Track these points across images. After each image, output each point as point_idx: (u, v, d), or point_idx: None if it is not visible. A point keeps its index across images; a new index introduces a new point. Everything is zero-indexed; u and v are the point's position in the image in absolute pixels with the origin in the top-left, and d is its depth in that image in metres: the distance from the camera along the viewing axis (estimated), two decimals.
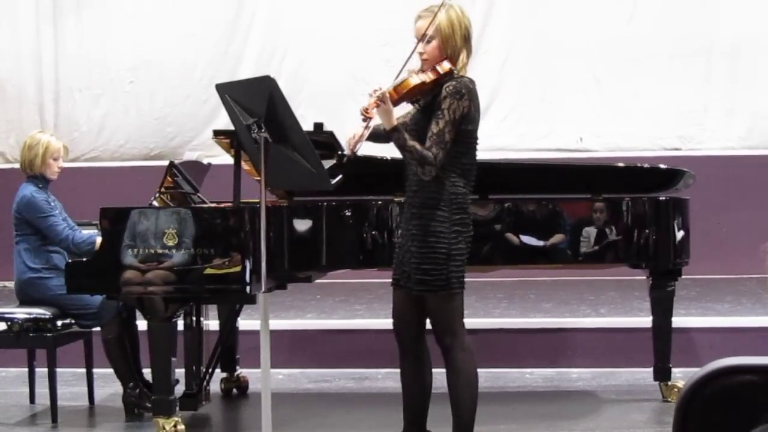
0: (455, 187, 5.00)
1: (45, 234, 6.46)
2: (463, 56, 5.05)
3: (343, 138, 5.15)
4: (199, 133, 11.11)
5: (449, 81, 4.98)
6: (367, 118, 4.91)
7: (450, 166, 4.98)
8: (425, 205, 5.01)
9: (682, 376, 6.75)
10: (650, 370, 6.79)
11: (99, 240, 6.34)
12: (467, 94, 4.97)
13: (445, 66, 5.00)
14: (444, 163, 4.95)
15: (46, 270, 6.48)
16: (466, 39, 5.07)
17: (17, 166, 6.85)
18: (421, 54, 5.06)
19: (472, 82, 5.05)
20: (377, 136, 5.11)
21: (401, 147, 4.97)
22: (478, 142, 5.12)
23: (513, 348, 7.76)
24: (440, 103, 4.95)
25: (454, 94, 4.95)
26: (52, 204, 6.56)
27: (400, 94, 4.98)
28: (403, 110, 5.23)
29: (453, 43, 5.03)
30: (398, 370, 5.29)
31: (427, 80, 4.99)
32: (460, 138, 4.98)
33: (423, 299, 5.08)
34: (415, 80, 4.98)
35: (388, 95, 4.92)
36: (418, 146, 4.92)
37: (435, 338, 5.14)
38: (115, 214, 5.95)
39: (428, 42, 5.03)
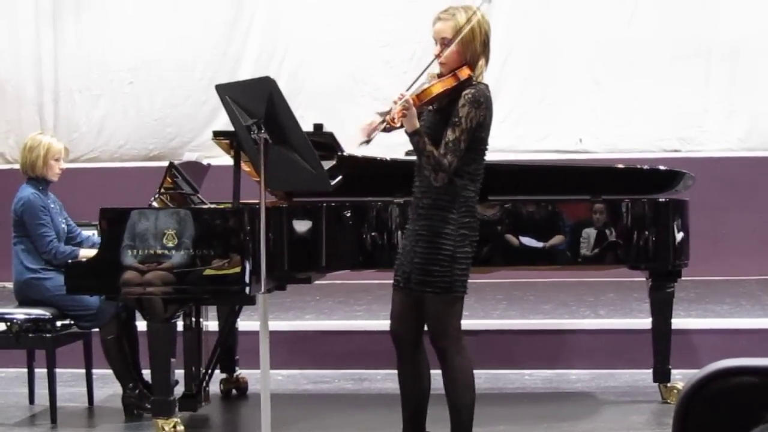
0: (465, 190, 4.98)
1: (32, 239, 6.46)
2: (481, 62, 4.99)
3: (351, 130, 5.08)
4: (198, 134, 11.12)
5: (468, 88, 4.93)
6: (391, 127, 4.86)
7: (460, 170, 4.95)
8: (434, 206, 4.99)
9: (681, 378, 6.75)
10: (650, 371, 6.79)
11: (81, 253, 6.39)
12: (485, 102, 4.94)
13: (465, 72, 4.94)
14: (456, 167, 4.93)
15: (45, 270, 6.48)
16: (486, 45, 5.01)
17: (16, 166, 6.85)
18: (438, 57, 5.00)
19: (487, 88, 5.01)
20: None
21: (420, 151, 4.90)
22: (488, 147, 5.10)
23: (512, 349, 7.76)
24: (458, 110, 4.90)
25: (473, 102, 4.90)
26: (52, 207, 6.55)
27: (423, 100, 4.93)
28: None
29: (473, 48, 4.96)
30: (397, 372, 5.28)
31: (449, 87, 4.94)
32: (472, 144, 4.96)
33: (423, 300, 5.06)
34: (439, 88, 4.93)
35: (411, 101, 4.87)
36: (435, 152, 4.88)
37: (431, 340, 5.12)
38: (115, 214, 5.94)
39: (447, 46, 4.98)
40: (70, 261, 6.22)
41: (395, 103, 4.83)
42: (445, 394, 5.13)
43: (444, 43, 4.97)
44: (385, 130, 4.91)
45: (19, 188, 6.61)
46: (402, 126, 4.88)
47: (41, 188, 6.56)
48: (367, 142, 4.94)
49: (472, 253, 5.05)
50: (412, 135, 4.88)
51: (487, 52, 5.03)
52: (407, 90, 4.92)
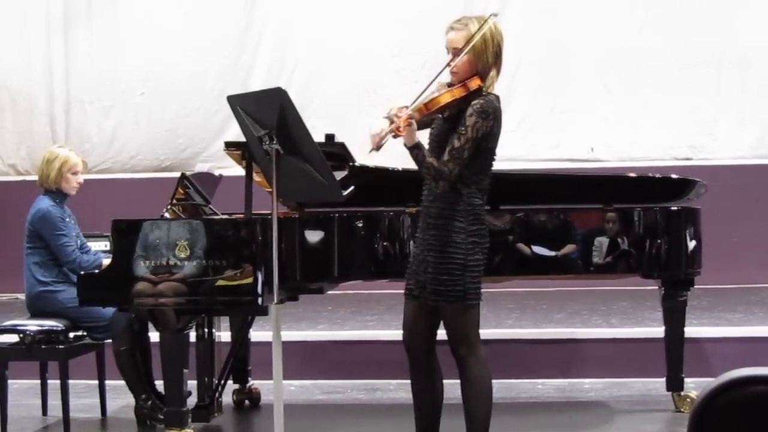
0: (472, 198, 4.99)
1: (54, 251, 6.46)
2: (492, 73, 5.00)
3: (363, 140, 5.07)
4: (210, 145, 11.13)
5: (477, 98, 4.94)
6: (397, 135, 4.87)
7: (468, 179, 4.97)
8: (442, 216, 5.00)
9: (694, 387, 6.74)
10: (663, 380, 6.77)
11: (105, 262, 6.36)
12: (492, 113, 4.95)
13: (475, 82, 4.95)
14: (462, 175, 4.94)
15: (56, 283, 6.46)
16: (498, 56, 5.01)
17: (29, 178, 6.87)
18: (450, 67, 5.01)
19: (497, 99, 5.01)
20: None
21: (419, 163, 4.95)
22: (495, 157, 5.10)
23: (525, 358, 7.75)
24: (465, 119, 4.91)
25: (480, 113, 4.91)
26: (67, 221, 6.55)
27: (430, 110, 4.95)
28: None
29: (485, 59, 4.97)
30: (410, 381, 5.28)
31: (458, 97, 4.95)
32: (480, 154, 4.96)
33: (437, 310, 5.06)
34: (447, 98, 4.93)
35: (415, 113, 4.89)
36: (435, 162, 4.91)
37: (450, 349, 5.12)
38: (127, 225, 5.95)
39: (458, 55, 4.98)
40: (93, 269, 6.23)
41: (397, 117, 4.84)
42: (461, 403, 5.12)
43: (456, 52, 4.98)
44: (394, 136, 4.92)
45: (33, 200, 6.60)
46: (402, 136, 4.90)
47: (58, 201, 6.55)
48: (377, 149, 4.94)
49: (483, 261, 5.05)
50: (412, 149, 4.92)
51: (499, 63, 5.03)
52: (415, 100, 4.94)
